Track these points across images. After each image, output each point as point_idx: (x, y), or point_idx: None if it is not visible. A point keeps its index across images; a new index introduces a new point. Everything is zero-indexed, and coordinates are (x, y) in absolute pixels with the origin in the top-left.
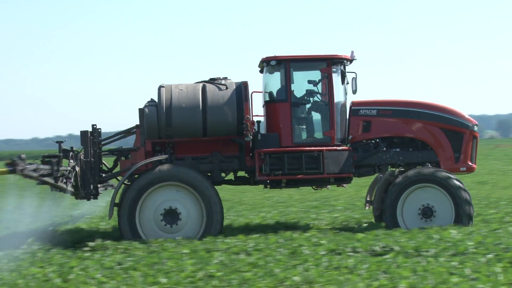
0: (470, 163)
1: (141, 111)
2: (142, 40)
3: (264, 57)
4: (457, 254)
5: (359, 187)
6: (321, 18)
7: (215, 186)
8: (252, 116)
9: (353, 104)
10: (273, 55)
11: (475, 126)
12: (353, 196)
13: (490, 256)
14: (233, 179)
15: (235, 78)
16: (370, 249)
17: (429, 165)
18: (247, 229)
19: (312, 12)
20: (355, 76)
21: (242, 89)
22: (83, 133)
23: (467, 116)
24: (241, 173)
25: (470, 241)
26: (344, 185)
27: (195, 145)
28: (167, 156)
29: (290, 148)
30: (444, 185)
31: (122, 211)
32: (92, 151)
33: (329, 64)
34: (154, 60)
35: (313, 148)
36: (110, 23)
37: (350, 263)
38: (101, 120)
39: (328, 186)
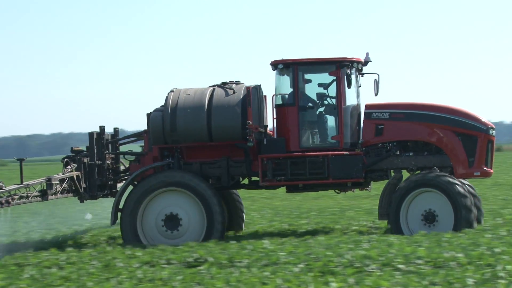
0: (485, 168)
1: (148, 116)
2: (178, 42)
3: (273, 60)
4: (270, 264)
5: None
6: (344, 20)
7: (227, 190)
8: (273, 119)
9: (367, 107)
10: (280, 58)
11: (491, 130)
12: None
13: (301, 265)
14: (247, 183)
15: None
16: (184, 260)
17: (437, 169)
18: (59, 243)
19: (335, 13)
20: (377, 78)
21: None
22: (90, 135)
23: (482, 119)
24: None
25: (282, 252)
26: (368, 188)
27: (203, 150)
28: (168, 162)
29: (294, 153)
30: (444, 190)
31: (124, 216)
32: (99, 152)
33: (338, 67)
34: (187, 63)
35: (317, 153)
36: (139, 26)
37: (164, 275)
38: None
39: (353, 189)
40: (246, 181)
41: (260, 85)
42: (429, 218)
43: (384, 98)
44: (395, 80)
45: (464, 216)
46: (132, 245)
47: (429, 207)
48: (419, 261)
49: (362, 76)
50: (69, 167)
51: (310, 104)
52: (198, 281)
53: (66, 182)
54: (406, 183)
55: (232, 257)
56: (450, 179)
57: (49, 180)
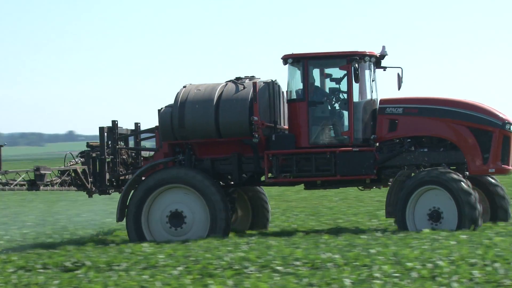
0: (501, 164)
1: (159, 112)
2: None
3: (284, 54)
4: (149, 268)
5: (50, 203)
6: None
7: (240, 187)
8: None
9: (381, 102)
10: (291, 53)
11: (508, 125)
12: (44, 211)
13: (180, 268)
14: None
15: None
16: (61, 265)
17: (445, 166)
18: None
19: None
20: (400, 72)
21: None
22: (101, 129)
23: (498, 114)
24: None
25: (161, 254)
26: (380, 186)
27: (215, 146)
28: (172, 158)
29: (300, 150)
30: (448, 187)
31: (128, 212)
32: (112, 147)
33: (349, 61)
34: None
35: (325, 149)
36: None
37: (41, 279)
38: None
39: (381, 186)
40: (263, 178)
41: (275, 80)
42: (435, 216)
43: (410, 93)
44: (425, 74)
45: (468, 213)
46: (136, 242)
47: (434, 205)
48: (297, 263)
49: (384, 70)
50: (73, 160)
51: (320, 99)
52: (76, 285)
53: (67, 175)
54: (411, 181)
55: (110, 260)
56: (454, 176)
57: (37, 170)
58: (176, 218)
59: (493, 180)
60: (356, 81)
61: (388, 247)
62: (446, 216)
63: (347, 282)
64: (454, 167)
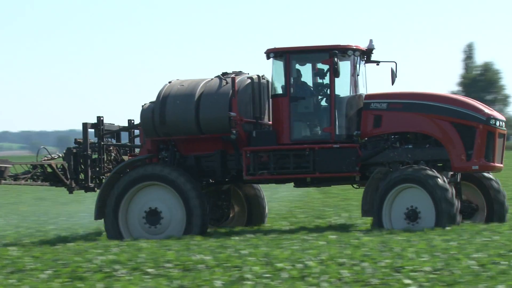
0: (485, 161)
1: (142, 108)
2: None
3: (268, 49)
4: (16, 272)
5: None
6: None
7: (248, 185)
8: None
9: (366, 97)
10: (273, 47)
11: (492, 120)
12: None
13: (49, 272)
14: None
15: None
16: None
17: (423, 163)
18: None
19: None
20: (393, 67)
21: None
22: (84, 125)
23: (482, 108)
24: None
25: (29, 258)
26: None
27: (198, 143)
28: (150, 155)
29: (277, 146)
30: (423, 184)
31: (106, 210)
32: (93, 144)
33: (331, 55)
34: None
35: (303, 146)
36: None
37: None
38: None
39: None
40: None
41: (262, 75)
42: (412, 216)
43: (405, 88)
44: (421, 69)
45: (445, 209)
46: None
47: (411, 204)
48: (168, 265)
49: (377, 64)
50: (48, 156)
51: (302, 95)
52: None
53: (39, 170)
54: (386, 180)
55: None
56: (429, 172)
57: None
58: (153, 216)
59: (487, 175)
60: (336, 76)
61: (259, 248)
62: (423, 215)
63: (218, 283)
64: (441, 164)
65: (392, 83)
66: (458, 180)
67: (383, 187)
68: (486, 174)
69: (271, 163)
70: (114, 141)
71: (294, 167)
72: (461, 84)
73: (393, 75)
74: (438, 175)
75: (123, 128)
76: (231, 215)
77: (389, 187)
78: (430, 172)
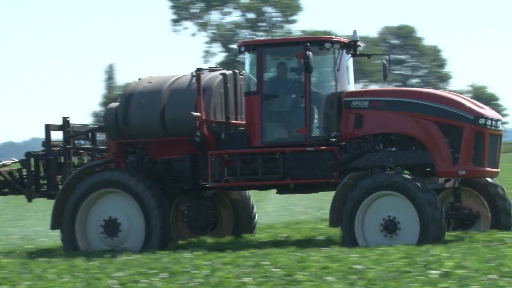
0: (473, 165)
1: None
2: None
3: (239, 42)
4: None
5: None
6: None
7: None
8: None
9: (347, 95)
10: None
11: (481, 119)
12: None
13: None
14: None
15: None
16: None
17: (400, 169)
18: None
19: None
20: (385, 61)
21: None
22: (47, 127)
23: (469, 106)
24: None
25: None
26: None
27: (168, 145)
28: (110, 159)
29: (245, 150)
30: (402, 190)
31: (63, 219)
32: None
33: (307, 48)
34: None
35: (273, 149)
36: None
37: None
38: None
39: None
40: None
41: (240, 71)
42: (390, 227)
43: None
44: None
45: (430, 214)
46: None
47: (389, 214)
48: None
49: (369, 58)
50: (1, 163)
51: (276, 92)
52: None
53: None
54: (357, 189)
55: None
56: (406, 176)
57: None
58: (111, 226)
59: (491, 180)
60: (307, 71)
61: None
62: (403, 225)
63: None
64: (429, 169)
65: (384, 78)
66: (457, 185)
67: (355, 196)
68: (490, 180)
69: (238, 168)
70: (88, 144)
71: (263, 173)
72: (103, 104)
73: (385, 70)
74: (416, 177)
75: (95, 129)
76: (219, 223)
77: (361, 197)
78: (407, 176)
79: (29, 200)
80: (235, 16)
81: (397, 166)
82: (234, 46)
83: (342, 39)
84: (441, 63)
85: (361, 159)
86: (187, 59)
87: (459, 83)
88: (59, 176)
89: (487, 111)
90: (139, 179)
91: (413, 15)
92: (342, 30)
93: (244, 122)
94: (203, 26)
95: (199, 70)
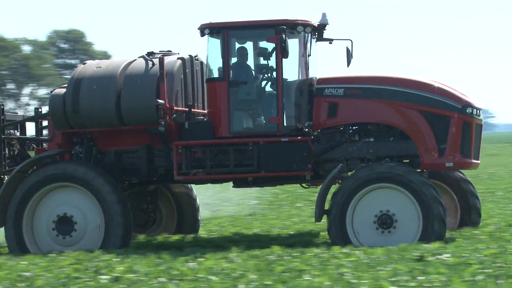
0: (460, 157)
1: (50, 94)
2: None
3: (201, 24)
4: None
5: None
6: None
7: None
8: None
9: (318, 81)
10: (209, 22)
11: (469, 108)
12: None
13: None
14: None
15: None
16: None
17: (389, 160)
18: None
19: None
20: (349, 45)
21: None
22: None
23: (457, 95)
24: None
25: None
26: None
27: (119, 135)
28: (61, 151)
29: (215, 141)
30: (405, 183)
31: (8, 217)
32: None
33: (278, 32)
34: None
35: (245, 140)
36: None
37: None
38: None
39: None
40: None
41: (195, 56)
42: (386, 223)
43: (361, 71)
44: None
45: (435, 212)
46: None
47: (384, 208)
48: None
49: (331, 43)
50: None
51: (244, 79)
52: None
53: None
54: (352, 179)
55: None
56: (410, 169)
57: None
58: (65, 224)
59: (463, 176)
60: (284, 56)
61: None
62: (400, 220)
63: None
64: (407, 161)
65: (348, 65)
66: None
67: (348, 188)
68: (462, 175)
69: (208, 160)
70: (18, 134)
71: (235, 165)
72: None
73: (349, 55)
74: (420, 172)
75: (28, 118)
76: (157, 220)
77: (356, 188)
78: (410, 169)
79: None
80: None
81: (376, 157)
82: None
83: (312, 22)
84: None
85: (336, 150)
86: None
87: None
88: None
89: (473, 99)
90: (98, 173)
91: (83, 20)
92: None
93: (202, 110)
94: None
95: (150, 54)
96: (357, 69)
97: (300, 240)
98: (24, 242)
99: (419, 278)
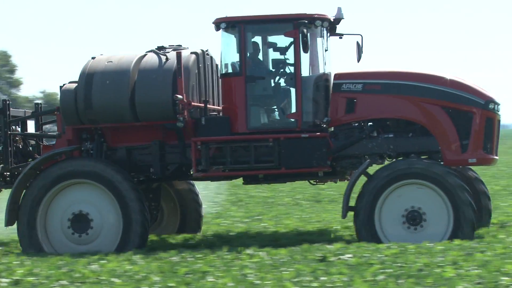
0: (483, 153)
1: (60, 89)
2: None
3: (216, 18)
4: None
5: None
6: None
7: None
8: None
9: (336, 77)
10: (224, 16)
11: (491, 104)
12: None
13: None
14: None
15: None
16: None
17: (416, 155)
18: None
19: None
20: (359, 40)
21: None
22: None
23: (479, 90)
24: None
25: None
26: (335, 180)
27: (131, 132)
28: (76, 147)
29: (236, 136)
30: (441, 183)
31: (21, 215)
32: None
33: (296, 26)
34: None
35: (266, 136)
36: None
37: None
38: None
39: (337, 179)
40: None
41: (206, 50)
42: (414, 219)
43: (372, 66)
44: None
45: (467, 216)
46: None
47: (413, 205)
48: None
49: (341, 37)
50: None
51: (261, 74)
52: None
53: None
54: (387, 171)
55: None
56: (447, 169)
57: None
58: (80, 222)
59: (476, 175)
60: (305, 51)
61: None
62: (429, 219)
63: None
64: (426, 157)
65: (358, 60)
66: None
67: (381, 179)
68: (475, 175)
69: (228, 156)
70: (19, 130)
71: (256, 161)
72: None
73: (359, 50)
74: (456, 174)
75: (34, 114)
76: (160, 218)
77: (390, 181)
78: (447, 169)
79: None
80: None
81: (396, 154)
82: None
83: (328, 17)
84: (12, 69)
85: (356, 146)
86: None
87: (30, 89)
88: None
89: (494, 94)
90: (117, 170)
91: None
92: None
93: (214, 106)
94: None
95: (161, 48)
96: (363, 65)
97: (204, 242)
98: (39, 241)
99: (322, 278)
